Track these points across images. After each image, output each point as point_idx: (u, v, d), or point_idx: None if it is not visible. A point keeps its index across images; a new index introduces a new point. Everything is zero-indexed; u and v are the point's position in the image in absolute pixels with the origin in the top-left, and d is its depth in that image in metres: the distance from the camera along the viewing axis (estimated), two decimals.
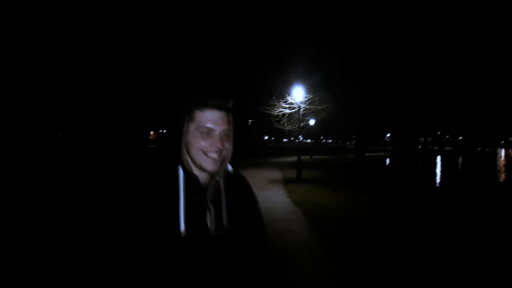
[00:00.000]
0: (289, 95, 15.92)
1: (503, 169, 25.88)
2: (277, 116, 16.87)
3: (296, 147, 20.25)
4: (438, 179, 18.21)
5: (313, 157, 33.30)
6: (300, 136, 20.13)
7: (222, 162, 1.12)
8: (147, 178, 1.09)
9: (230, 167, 1.19)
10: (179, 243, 1.02)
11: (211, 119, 1.08)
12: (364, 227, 6.29)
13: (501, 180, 18.26)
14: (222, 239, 1.10)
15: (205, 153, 1.08)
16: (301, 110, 15.85)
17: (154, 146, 53.18)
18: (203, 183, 1.13)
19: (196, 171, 1.12)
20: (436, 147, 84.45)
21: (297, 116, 15.79)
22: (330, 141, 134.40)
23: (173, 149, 1.12)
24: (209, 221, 1.10)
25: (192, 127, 1.09)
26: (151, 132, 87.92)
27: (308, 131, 24.06)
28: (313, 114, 18.02)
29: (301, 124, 16.76)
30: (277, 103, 16.32)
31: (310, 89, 15.88)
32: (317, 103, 16.22)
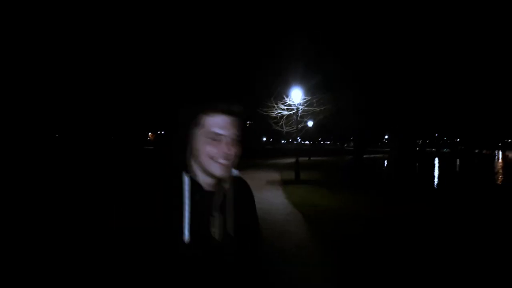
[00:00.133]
0: (287, 96, 15.93)
1: (500, 170, 25.96)
2: (275, 117, 16.87)
3: (294, 149, 20.26)
4: (436, 181, 18.25)
5: (311, 158, 33.34)
6: (298, 138, 20.14)
7: (230, 167, 1.11)
8: (151, 184, 1.07)
9: (234, 171, 1.18)
10: (183, 251, 1.01)
11: (219, 124, 1.06)
12: (362, 229, 6.30)
13: (498, 181, 18.31)
14: (227, 245, 1.09)
15: (213, 158, 1.06)
16: (299, 111, 15.87)
17: (152, 147, 53.11)
18: (209, 188, 1.12)
19: (202, 176, 1.10)
20: (433, 149, 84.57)
21: (295, 118, 15.80)
22: (328, 142, 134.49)
23: (179, 155, 1.10)
24: (215, 228, 1.09)
25: (199, 132, 1.07)
26: (150, 133, 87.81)
27: (306, 133, 24.09)
28: (311, 115, 18.03)
29: (299, 126, 16.79)
30: (275, 105, 16.33)
31: (308, 91, 15.90)
32: (315, 104, 16.24)
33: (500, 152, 72.41)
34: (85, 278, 3.63)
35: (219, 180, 1.12)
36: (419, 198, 10.27)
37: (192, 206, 1.05)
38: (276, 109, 16.47)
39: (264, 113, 16.80)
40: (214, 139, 1.06)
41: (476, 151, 70.50)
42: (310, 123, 20.73)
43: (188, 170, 1.09)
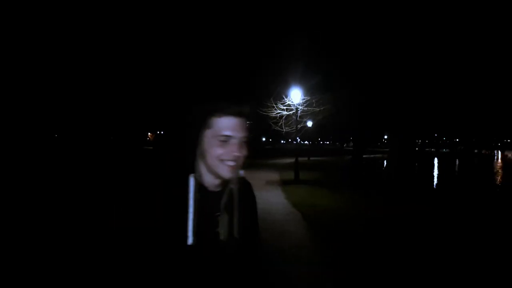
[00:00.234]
0: (286, 96, 15.94)
1: (499, 170, 25.99)
2: (275, 117, 16.88)
3: (293, 149, 20.29)
4: (435, 181, 18.27)
5: (311, 158, 33.36)
6: (297, 138, 20.15)
7: (237, 168, 1.10)
8: (155, 186, 1.06)
9: (240, 171, 1.17)
10: (186, 253, 1.01)
11: (229, 126, 1.05)
12: (361, 229, 6.31)
13: (498, 181, 18.33)
14: (231, 246, 1.10)
15: (222, 160, 1.05)
16: (299, 112, 15.88)
17: (152, 147, 53.08)
18: (215, 189, 1.12)
19: (209, 177, 1.10)
20: (433, 149, 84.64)
21: (295, 118, 15.81)
22: (328, 142, 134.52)
23: (187, 156, 1.09)
24: (220, 228, 1.09)
25: (209, 134, 1.06)
26: (149, 133, 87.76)
27: (305, 133, 24.09)
28: (311, 116, 18.04)
29: (299, 126, 16.79)
30: (275, 105, 16.34)
31: (307, 91, 15.91)
32: (314, 104, 16.25)
33: (499, 152, 72.50)
34: (86, 279, 3.64)
35: (225, 181, 1.11)
36: (418, 198, 10.29)
37: (197, 207, 1.04)
38: (275, 109, 16.48)
39: (264, 113, 16.81)
40: (223, 141, 1.05)
41: (476, 151, 70.57)
42: (309, 123, 20.75)
43: (195, 171, 1.08)
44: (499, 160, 41.74)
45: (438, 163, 34.79)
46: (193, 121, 1.08)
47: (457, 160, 40.85)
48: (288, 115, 16.80)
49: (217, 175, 1.08)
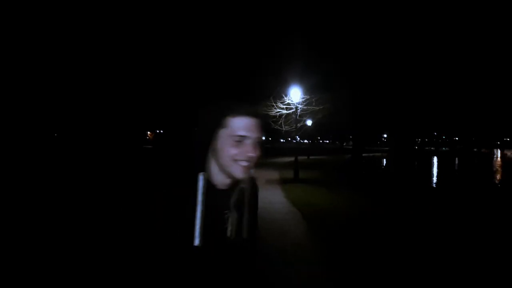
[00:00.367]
0: (286, 95, 15.96)
1: (499, 169, 26.02)
2: (275, 116, 16.90)
3: (293, 148, 20.29)
4: (434, 179, 18.29)
5: (310, 157, 33.37)
6: (297, 137, 20.16)
7: (251, 168, 1.09)
8: (163, 186, 1.04)
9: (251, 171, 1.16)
10: (193, 253, 1.00)
11: (245, 127, 1.05)
12: (360, 228, 6.32)
13: (497, 180, 18.36)
14: (239, 246, 1.10)
15: (236, 160, 1.04)
16: (298, 110, 15.89)
17: (151, 146, 53.08)
18: (225, 187, 1.11)
19: (221, 177, 1.09)
20: (432, 148, 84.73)
21: (294, 117, 15.82)
22: (327, 141, 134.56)
23: (198, 155, 1.08)
24: (229, 226, 1.09)
25: (223, 133, 1.05)
26: (148, 132, 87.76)
27: (305, 132, 24.13)
28: (310, 114, 18.07)
29: (298, 125, 16.80)
30: (274, 104, 16.36)
31: (307, 90, 15.93)
32: (314, 104, 16.27)
33: (499, 151, 72.55)
34: (89, 280, 3.65)
35: (235, 180, 1.10)
36: (417, 197, 10.31)
37: (205, 207, 1.03)
38: (275, 108, 16.49)
39: (263, 112, 16.83)
40: (238, 141, 1.04)
41: (475, 149, 70.61)
42: (309, 122, 20.77)
43: (205, 170, 1.07)
44: (498, 159, 41.77)
45: (437, 161, 34.82)
46: (207, 120, 1.07)
47: (456, 159, 40.87)
48: (287, 114, 16.82)
49: (229, 175, 1.07)
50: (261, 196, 1.28)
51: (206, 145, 1.07)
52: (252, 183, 1.21)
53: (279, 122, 17.20)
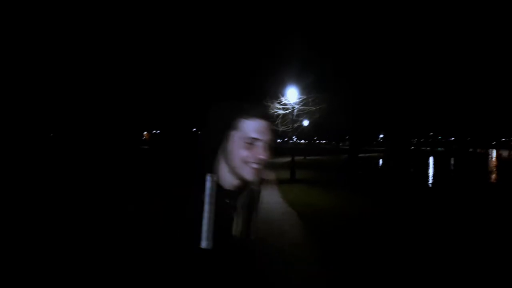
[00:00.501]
0: (283, 96, 15.98)
1: (494, 169, 26.15)
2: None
3: (290, 148, 20.32)
4: (430, 179, 18.35)
5: (307, 157, 33.40)
6: (294, 137, 20.19)
7: (261, 171, 1.09)
8: (172, 187, 1.03)
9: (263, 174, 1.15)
10: (201, 255, 0.99)
11: (257, 129, 1.04)
12: (358, 228, 6.34)
13: (492, 180, 18.45)
14: (247, 248, 1.10)
15: (246, 162, 1.03)
16: (295, 111, 15.92)
17: (148, 147, 52.94)
18: (234, 189, 1.10)
19: (230, 179, 1.08)
20: (428, 148, 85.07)
21: (291, 117, 15.85)
22: (324, 141, 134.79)
23: (208, 156, 1.06)
24: (236, 229, 1.09)
25: (235, 135, 1.04)
26: (145, 133, 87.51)
27: (302, 132, 24.16)
28: (307, 115, 18.11)
29: (295, 125, 16.83)
30: (271, 104, 16.38)
31: (304, 90, 15.97)
32: (311, 104, 16.31)
33: (494, 151, 72.91)
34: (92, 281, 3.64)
35: (244, 182, 1.09)
36: (413, 197, 10.35)
37: (214, 209, 1.01)
38: (271, 108, 16.51)
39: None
40: (250, 143, 1.04)
41: (471, 150, 70.94)
42: (305, 122, 20.80)
43: (213, 171, 1.06)
44: (494, 159, 42.00)
45: (433, 161, 34.96)
46: (218, 121, 1.06)
47: (452, 158, 41.05)
48: (284, 114, 16.84)
49: (239, 177, 1.06)
50: None
51: (216, 146, 1.06)
52: (260, 186, 1.21)
53: (276, 122, 17.23)
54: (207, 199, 1.01)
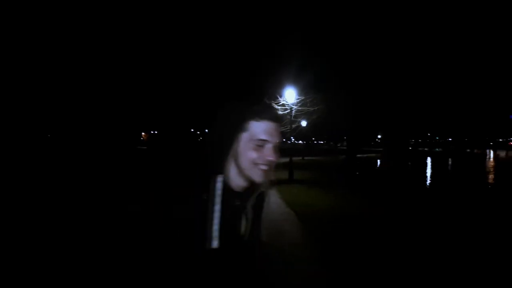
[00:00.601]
0: (281, 96, 16.00)
1: (491, 170, 26.24)
2: None
3: (288, 148, 20.30)
4: (428, 180, 18.39)
5: (305, 158, 33.44)
6: (292, 138, 20.20)
7: (269, 172, 1.09)
8: (181, 187, 1.03)
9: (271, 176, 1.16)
10: (210, 256, 0.99)
11: (266, 131, 1.04)
12: (356, 228, 6.36)
13: (490, 181, 18.51)
14: (256, 248, 1.11)
15: (255, 164, 1.04)
16: (293, 111, 15.94)
17: (146, 147, 52.86)
18: (244, 193, 1.10)
19: (239, 180, 1.08)
20: (426, 149, 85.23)
21: (289, 118, 15.86)
22: (322, 142, 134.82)
23: (219, 158, 1.06)
24: (245, 231, 1.10)
25: (245, 137, 1.04)
26: (143, 133, 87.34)
27: (300, 133, 24.16)
28: (305, 115, 18.12)
29: (293, 126, 16.85)
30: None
31: (302, 91, 15.98)
32: (308, 104, 16.33)
33: (492, 152, 73.14)
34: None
35: (253, 183, 1.09)
36: (411, 198, 10.38)
37: (223, 210, 1.02)
38: None
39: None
40: (259, 145, 1.04)
41: (468, 150, 71.12)
42: (303, 123, 20.82)
43: (223, 172, 1.06)
44: (491, 159, 42.14)
45: (431, 162, 35.06)
46: (231, 124, 1.06)
47: (449, 159, 41.17)
48: (282, 115, 16.85)
49: (248, 178, 1.07)
50: None
51: (226, 148, 1.05)
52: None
53: None
54: (217, 199, 1.01)
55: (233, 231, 1.06)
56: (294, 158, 16.15)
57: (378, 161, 32.55)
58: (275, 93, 16.17)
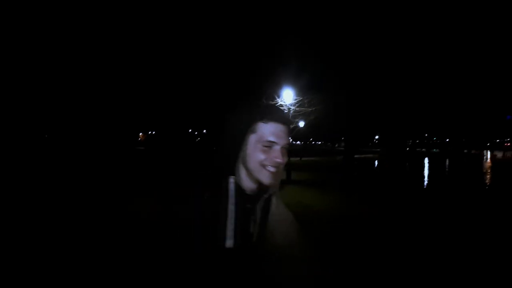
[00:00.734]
0: (279, 97, 16.00)
1: (488, 170, 26.32)
2: None
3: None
4: (425, 180, 18.43)
5: (303, 158, 33.46)
6: (289, 138, 20.22)
7: (278, 174, 1.09)
8: (195, 188, 1.03)
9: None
10: (224, 255, 1.00)
11: (274, 133, 1.04)
12: (354, 228, 6.36)
13: (487, 181, 18.57)
14: (265, 250, 1.13)
15: (264, 166, 1.04)
16: (291, 112, 15.94)
17: (143, 148, 52.79)
18: (253, 195, 1.10)
19: (248, 182, 1.08)
20: (423, 149, 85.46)
21: None
22: (320, 143, 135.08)
23: (229, 160, 1.07)
24: (255, 232, 1.11)
25: (253, 138, 1.05)
26: (140, 134, 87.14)
27: (297, 133, 24.20)
28: (303, 116, 18.14)
29: (291, 126, 16.85)
30: None
31: (300, 91, 15.99)
32: (306, 105, 16.34)
33: (489, 152, 73.38)
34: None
35: (262, 186, 1.09)
36: (408, 199, 10.40)
37: (237, 211, 1.03)
38: None
39: None
40: (267, 146, 1.04)
41: (465, 151, 71.36)
42: (301, 123, 20.84)
43: (235, 174, 1.06)
44: (488, 160, 42.27)
45: (428, 163, 35.13)
46: (240, 126, 1.06)
47: (447, 160, 41.27)
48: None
49: (256, 180, 1.07)
50: None
51: (236, 149, 1.06)
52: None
53: None
54: (231, 200, 1.02)
55: (245, 232, 1.07)
56: (292, 159, 16.18)
57: (376, 161, 32.64)
58: (273, 94, 16.17)
